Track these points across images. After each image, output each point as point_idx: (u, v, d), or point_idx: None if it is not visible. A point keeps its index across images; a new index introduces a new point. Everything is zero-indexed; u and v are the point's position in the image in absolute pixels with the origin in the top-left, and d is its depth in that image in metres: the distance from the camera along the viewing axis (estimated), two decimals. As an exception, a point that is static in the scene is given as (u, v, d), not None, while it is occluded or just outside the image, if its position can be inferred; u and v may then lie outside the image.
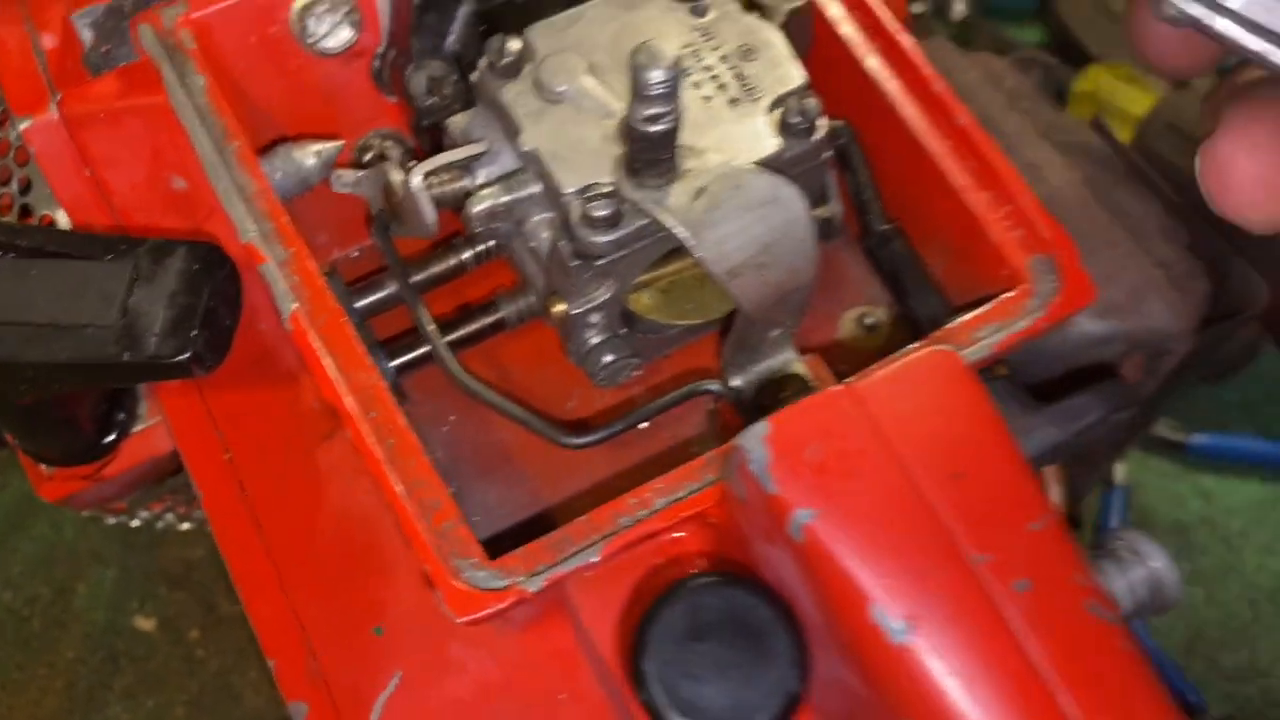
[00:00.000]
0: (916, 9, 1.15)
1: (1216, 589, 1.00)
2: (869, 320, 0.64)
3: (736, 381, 0.58)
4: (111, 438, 0.67)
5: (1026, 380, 0.62)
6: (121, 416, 0.67)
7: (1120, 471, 1.03)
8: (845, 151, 0.60)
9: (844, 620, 0.40)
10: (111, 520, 0.80)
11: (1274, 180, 0.36)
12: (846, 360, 0.64)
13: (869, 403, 0.42)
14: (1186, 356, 0.69)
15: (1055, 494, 0.62)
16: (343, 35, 0.60)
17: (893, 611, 0.39)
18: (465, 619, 0.45)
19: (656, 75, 0.45)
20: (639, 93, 0.46)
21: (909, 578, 0.39)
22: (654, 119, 0.47)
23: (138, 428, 0.67)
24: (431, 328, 0.57)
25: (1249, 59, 0.38)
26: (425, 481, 0.48)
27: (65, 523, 1.09)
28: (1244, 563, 1.01)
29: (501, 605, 0.45)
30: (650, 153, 0.49)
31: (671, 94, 0.46)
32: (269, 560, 0.59)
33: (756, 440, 0.42)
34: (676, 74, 0.45)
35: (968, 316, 0.52)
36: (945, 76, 0.67)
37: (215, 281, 0.54)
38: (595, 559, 0.46)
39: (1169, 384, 0.75)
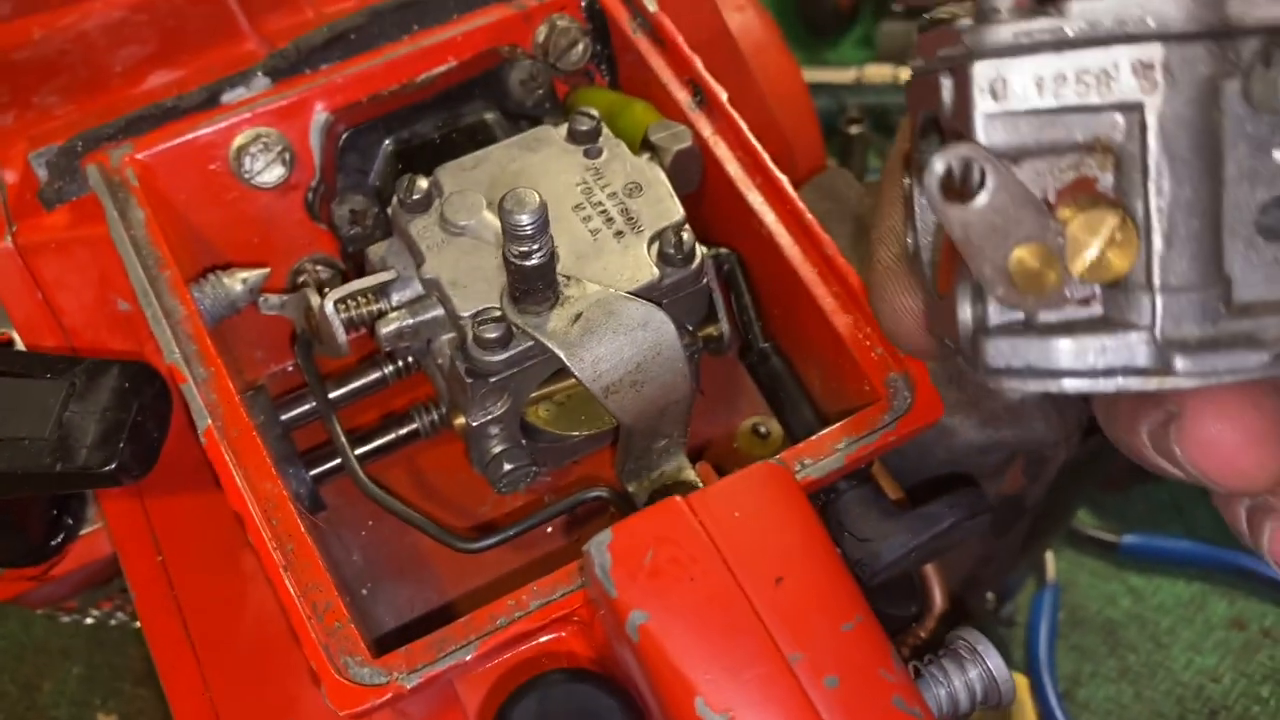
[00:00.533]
0: (854, 130, 1.22)
1: (1144, 686, 1.02)
2: (762, 429, 0.68)
3: (631, 488, 0.63)
4: (59, 540, 0.72)
5: (915, 481, 0.66)
6: (69, 521, 0.72)
7: (1051, 570, 1.06)
8: (731, 276, 0.65)
9: (674, 712, 0.43)
10: (65, 618, 0.84)
11: (1262, 432, 0.38)
12: (742, 467, 0.69)
13: (702, 512, 0.47)
14: (1068, 465, 0.73)
15: (938, 593, 0.65)
16: (276, 172, 0.66)
17: (715, 704, 0.42)
18: (346, 713, 0.49)
19: (524, 219, 0.50)
20: (510, 234, 0.51)
21: (730, 673, 0.43)
22: (525, 255, 0.52)
23: (84, 531, 0.72)
24: (342, 441, 0.62)
25: (1107, 398, 0.41)
26: (319, 585, 0.52)
27: (35, 621, 1.12)
28: (1172, 660, 1.03)
29: (379, 700, 0.49)
30: (527, 283, 0.54)
31: (537, 235, 0.51)
32: (193, 657, 0.63)
33: (601, 547, 0.46)
34: (542, 218, 0.51)
35: (828, 430, 0.57)
36: (840, 204, 0.73)
37: (144, 398, 0.59)
38: (469, 658, 0.50)
39: (1063, 492, 0.79)
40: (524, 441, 0.63)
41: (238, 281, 0.63)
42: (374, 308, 0.61)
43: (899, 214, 0.48)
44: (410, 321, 0.60)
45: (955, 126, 0.38)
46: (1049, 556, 1.07)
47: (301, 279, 0.70)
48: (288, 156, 0.67)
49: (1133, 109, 0.36)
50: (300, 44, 0.67)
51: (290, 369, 0.73)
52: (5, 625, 1.13)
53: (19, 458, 0.58)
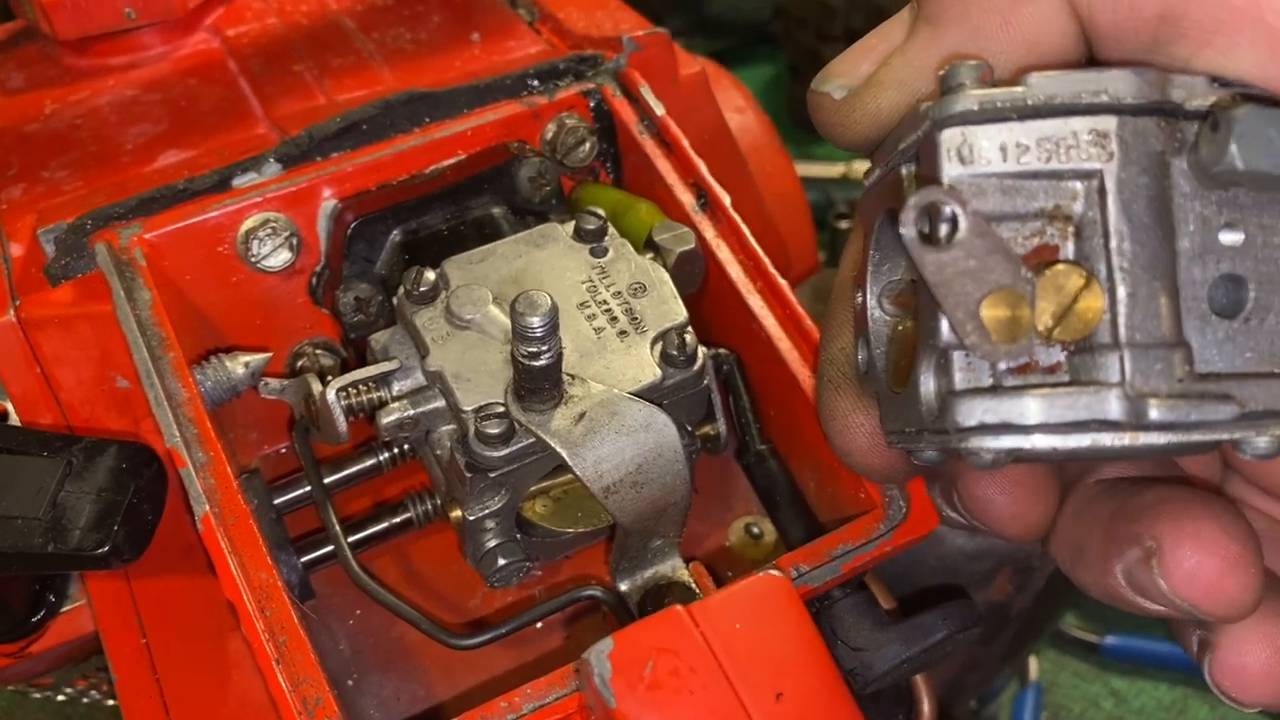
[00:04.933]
0: (843, 225, 1.24)
1: (1125, 793, 1.02)
2: (755, 530, 0.68)
3: (624, 586, 0.62)
4: (40, 616, 0.71)
5: (905, 586, 0.66)
6: (51, 597, 0.70)
7: (1034, 670, 1.06)
8: (729, 377, 0.66)
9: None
10: (37, 695, 0.82)
11: (1240, 556, 0.40)
12: (734, 566, 0.69)
13: (704, 623, 0.47)
14: (1055, 574, 0.74)
15: (926, 702, 0.65)
16: (283, 256, 0.67)
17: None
18: (333, 811, 0.48)
19: (535, 321, 0.51)
20: (520, 335, 0.52)
21: (729, 788, 0.42)
22: (534, 356, 0.52)
23: (66, 608, 0.71)
24: (337, 530, 0.62)
25: (1078, 459, 0.43)
26: (310, 679, 0.51)
27: (2, 694, 1.10)
28: (1153, 767, 1.03)
29: (367, 799, 0.48)
30: (533, 382, 0.54)
31: (547, 337, 0.52)
32: (173, 744, 0.62)
33: (601, 656, 0.46)
34: (552, 321, 0.51)
35: (825, 537, 0.57)
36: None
37: (142, 479, 0.59)
38: (460, 759, 0.49)
39: (1048, 600, 0.80)
40: (518, 536, 0.63)
41: (240, 365, 0.63)
42: (375, 396, 0.61)
43: (848, 335, 0.50)
44: (411, 412, 0.60)
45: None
46: (1031, 657, 1.07)
47: (301, 363, 0.70)
48: (294, 241, 0.67)
49: (1091, 175, 0.38)
50: (313, 132, 0.68)
51: (283, 451, 0.73)
52: (-30, 696, 1.10)
53: (10, 536, 0.57)
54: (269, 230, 0.66)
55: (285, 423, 0.71)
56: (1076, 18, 0.42)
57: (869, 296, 0.47)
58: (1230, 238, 0.39)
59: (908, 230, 0.37)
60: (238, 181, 0.68)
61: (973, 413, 0.38)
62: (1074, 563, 0.44)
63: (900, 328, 0.48)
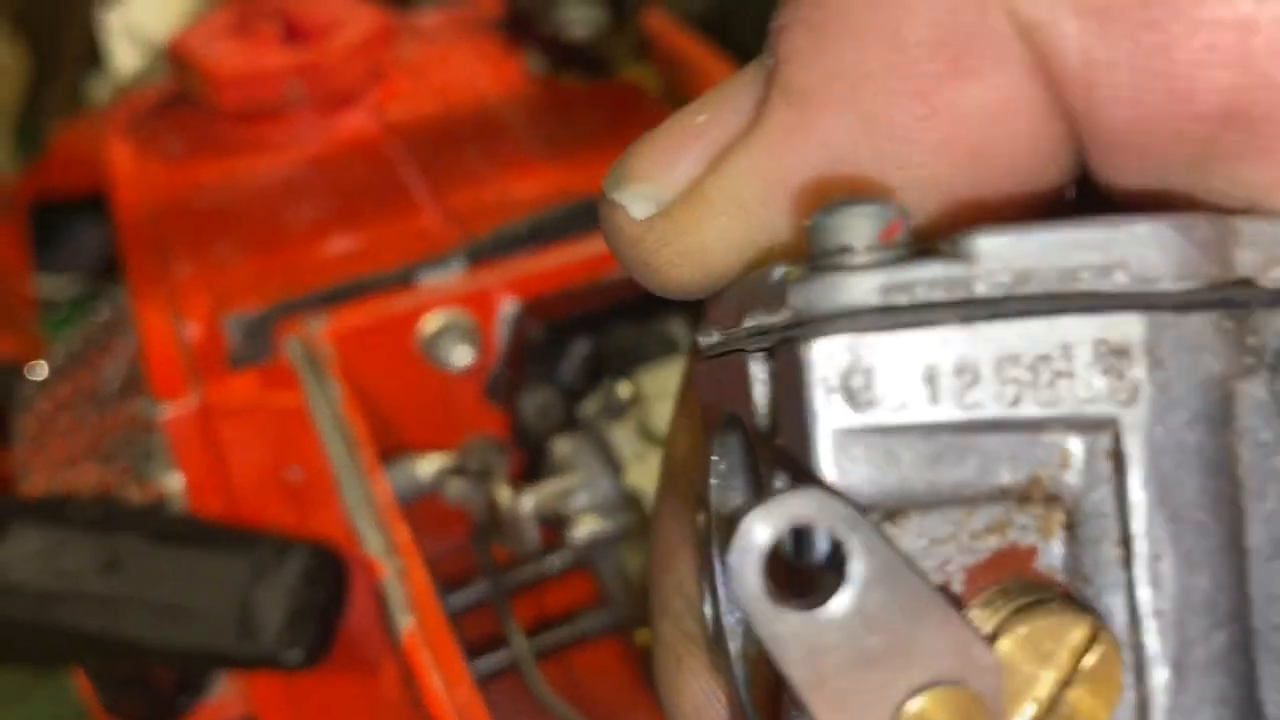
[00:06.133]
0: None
1: None
2: None
3: None
4: (186, 699, 0.70)
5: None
6: (199, 684, 0.70)
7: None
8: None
9: None
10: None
11: None
12: None
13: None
14: None
15: None
16: (465, 356, 0.67)
17: None
18: None
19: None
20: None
21: None
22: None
23: (211, 696, 0.70)
24: (522, 642, 0.61)
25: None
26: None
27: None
28: None
29: None
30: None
31: None
32: None
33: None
34: None
35: None
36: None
37: (330, 584, 0.58)
38: None
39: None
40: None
41: (431, 467, 0.63)
42: (561, 505, 0.61)
43: (688, 565, 0.29)
44: (604, 526, 0.59)
45: (780, 451, 0.22)
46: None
47: (472, 465, 0.70)
48: (476, 339, 0.67)
49: (1100, 426, 0.21)
50: (501, 234, 0.68)
51: (443, 553, 0.72)
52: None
53: (200, 634, 0.57)
54: (453, 329, 0.66)
55: (448, 521, 0.70)
56: (1062, 106, 0.23)
57: (713, 543, 0.27)
58: None
59: (744, 573, 0.19)
60: (424, 278, 0.68)
61: None
62: None
63: None
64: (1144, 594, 0.21)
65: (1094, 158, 0.23)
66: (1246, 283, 0.21)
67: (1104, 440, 0.21)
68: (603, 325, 0.68)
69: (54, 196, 1.19)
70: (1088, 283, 0.21)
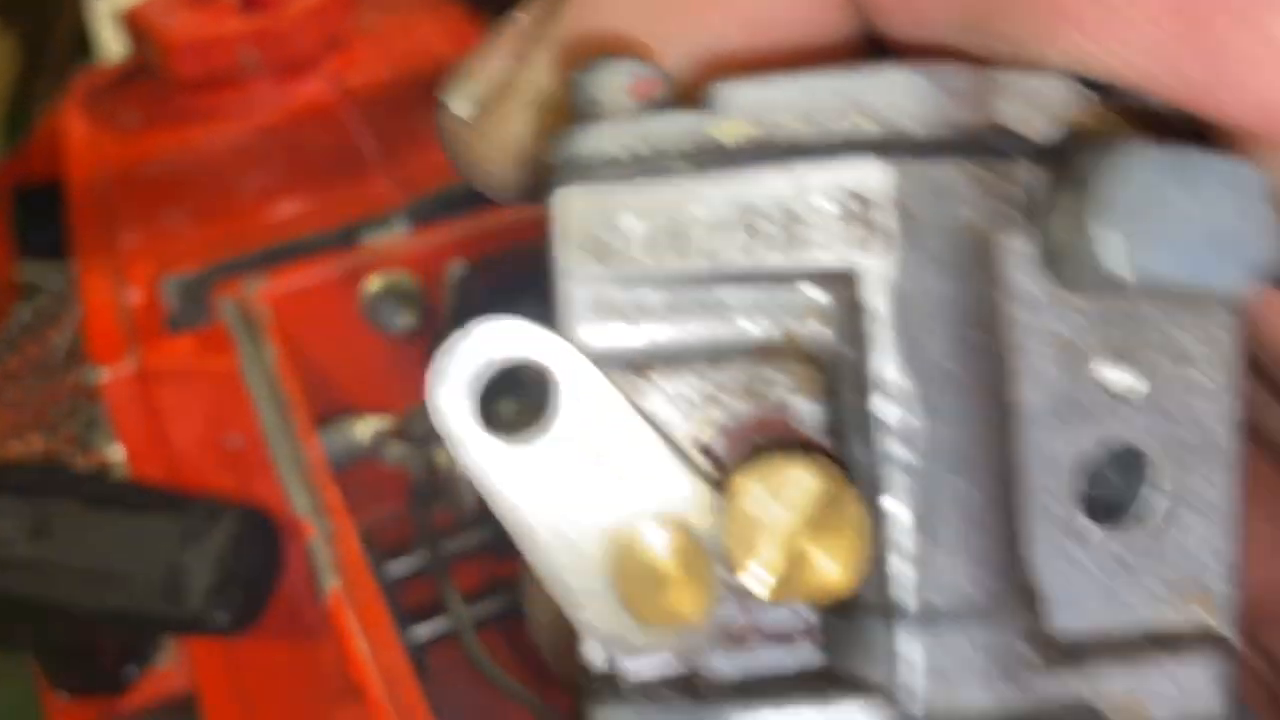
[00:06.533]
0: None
1: None
2: None
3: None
4: (130, 669, 0.69)
5: None
6: (143, 654, 0.69)
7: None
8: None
9: None
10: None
11: None
12: None
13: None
14: None
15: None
16: (408, 318, 0.65)
17: None
18: None
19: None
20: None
21: None
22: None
23: (157, 666, 0.69)
24: (461, 610, 0.59)
25: None
26: (441, 769, 0.49)
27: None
28: None
29: None
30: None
31: None
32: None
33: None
34: None
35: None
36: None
37: (262, 548, 0.57)
38: None
39: None
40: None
41: (366, 429, 0.62)
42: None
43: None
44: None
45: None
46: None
47: (418, 430, 0.68)
48: (420, 303, 0.66)
49: (845, 277, 0.20)
50: (447, 193, 0.67)
51: (385, 519, 0.71)
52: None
53: (126, 596, 0.56)
54: (395, 291, 0.65)
55: (389, 487, 0.69)
56: None
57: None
58: (1120, 379, 0.21)
59: (444, 416, 0.20)
60: (366, 238, 0.67)
61: None
62: None
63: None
64: (890, 447, 0.20)
65: (871, 14, 0.23)
66: (1006, 133, 0.20)
67: (848, 290, 0.20)
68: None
69: (37, 181, 1.19)
70: (833, 130, 0.20)
